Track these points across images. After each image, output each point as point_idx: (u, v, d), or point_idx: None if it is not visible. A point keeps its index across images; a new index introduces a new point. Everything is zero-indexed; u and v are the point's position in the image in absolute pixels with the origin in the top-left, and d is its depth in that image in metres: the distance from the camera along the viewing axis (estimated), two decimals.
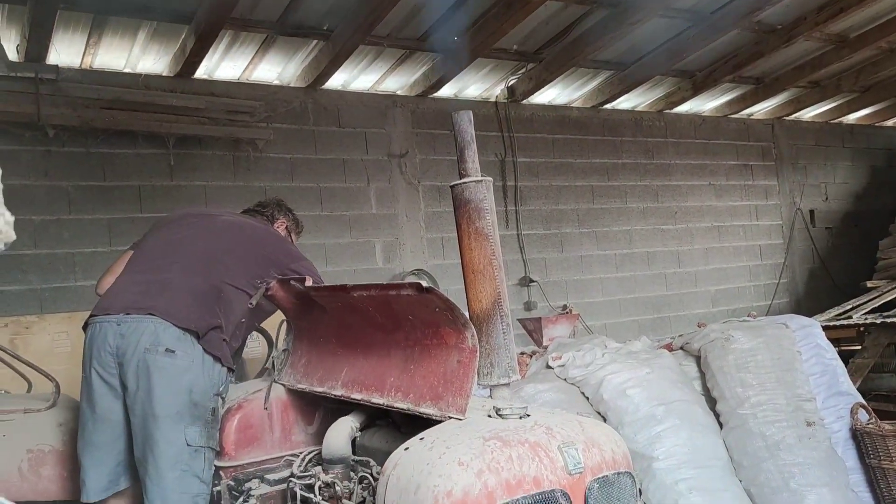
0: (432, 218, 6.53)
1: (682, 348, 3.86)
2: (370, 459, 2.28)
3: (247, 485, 2.35)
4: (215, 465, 2.56)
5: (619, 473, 1.85)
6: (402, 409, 2.10)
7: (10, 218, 0.63)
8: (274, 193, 5.49)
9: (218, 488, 2.50)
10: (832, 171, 9.84)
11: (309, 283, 2.48)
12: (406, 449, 1.79)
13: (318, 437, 2.72)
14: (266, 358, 3.35)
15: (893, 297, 7.05)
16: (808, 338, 3.78)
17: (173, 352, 2.34)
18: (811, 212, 9.59)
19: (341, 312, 2.44)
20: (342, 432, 2.31)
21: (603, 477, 1.79)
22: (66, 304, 4.78)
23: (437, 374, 2.04)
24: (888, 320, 5.97)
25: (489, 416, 1.90)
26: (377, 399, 2.22)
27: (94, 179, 5.04)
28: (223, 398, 2.52)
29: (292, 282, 2.56)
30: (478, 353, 1.93)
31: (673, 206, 8.33)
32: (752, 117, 9.01)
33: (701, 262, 8.60)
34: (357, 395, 2.31)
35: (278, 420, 2.68)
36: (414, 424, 2.03)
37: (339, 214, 6.06)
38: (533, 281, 7.00)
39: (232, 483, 2.45)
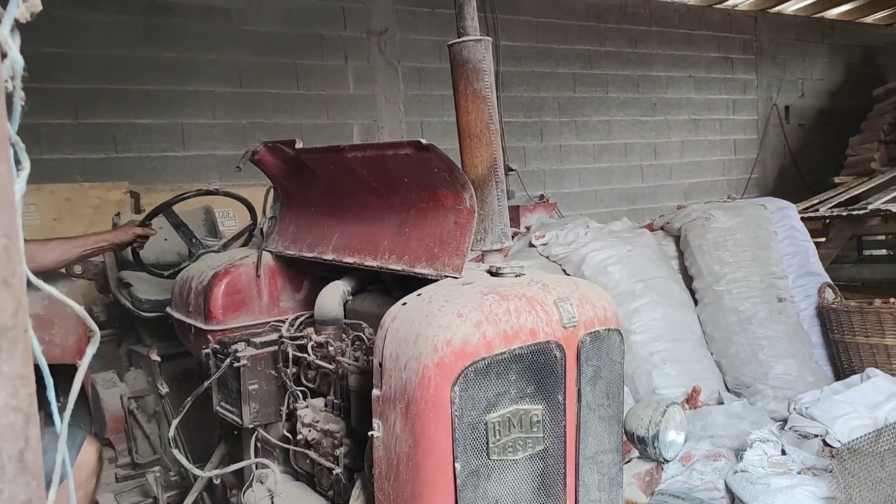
0: (412, 101, 6.40)
1: (662, 228, 3.92)
2: (362, 322, 2.32)
3: (233, 347, 2.36)
4: (202, 329, 2.58)
5: (609, 330, 1.90)
6: (396, 270, 2.10)
7: None
8: (249, 68, 5.30)
9: (206, 350, 2.53)
10: (810, 68, 9.80)
11: (299, 145, 2.43)
12: (404, 304, 1.81)
13: (307, 304, 2.74)
14: (247, 227, 3.33)
15: (859, 191, 7.21)
16: (784, 219, 3.87)
17: None
18: (786, 108, 9.61)
19: (333, 176, 2.40)
20: (334, 294, 2.32)
21: (595, 332, 1.84)
22: (31, 177, 4.65)
23: (432, 236, 2.04)
24: (853, 213, 6.13)
25: (485, 274, 1.93)
26: (370, 262, 2.22)
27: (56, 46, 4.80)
28: None
29: (280, 145, 2.50)
30: (476, 214, 1.93)
31: (653, 98, 8.27)
32: (736, 8, 8.84)
33: (676, 155, 8.64)
34: (349, 259, 2.31)
35: (266, 286, 2.69)
36: (407, 289, 2.03)
37: (316, 94, 5.90)
38: (512, 170, 6.97)
39: (217, 346, 2.47)
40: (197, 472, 2.26)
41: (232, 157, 5.18)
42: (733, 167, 9.21)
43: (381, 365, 1.75)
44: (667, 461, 2.33)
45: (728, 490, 2.54)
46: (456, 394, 1.62)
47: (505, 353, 1.66)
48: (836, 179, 8.03)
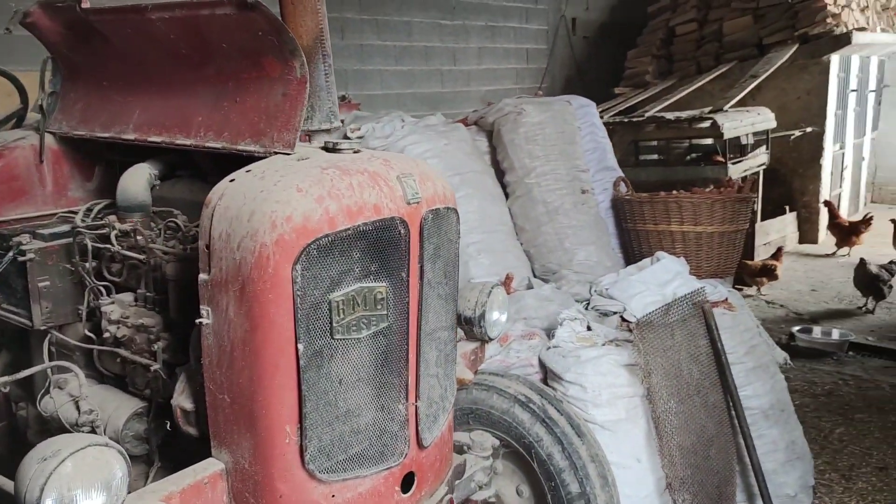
0: None
1: (476, 123, 3.98)
2: (173, 209, 2.09)
3: (15, 240, 2.03)
4: None
5: (448, 208, 1.88)
6: (216, 148, 1.90)
7: None
8: None
9: None
10: None
11: (86, 4, 2.06)
12: (232, 180, 1.64)
13: (100, 193, 2.43)
14: (16, 112, 2.84)
15: (635, 101, 7.84)
16: (586, 116, 4.09)
17: None
18: (573, 20, 10.05)
19: (131, 43, 2.08)
20: (140, 177, 2.06)
21: (436, 209, 1.80)
22: None
23: (257, 110, 1.86)
24: (633, 119, 6.67)
25: (320, 150, 1.80)
26: (182, 140, 1.98)
27: None
28: None
29: (63, 4, 2.12)
30: (308, 84, 1.78)
31: (451, 0, 8.23)
32: None
33: (475, 62, 8.75)
34: (156, 138, 2.05)
35: (50, 173, 2.34)
36: (225, 172, 1.84)
37: None
38: None
39: None
40: None
41: None
42: (526, 76, 9.53)
43: (208, 247, 1.58)
44: (491, 339, 2.41)
45: (542, 365, 2.71)
46: (297, 272, 1.51)
47: (349, 229, 1.58)
48: (616, 90, 8.65)
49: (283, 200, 1.53)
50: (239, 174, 1.66)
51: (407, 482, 1.79)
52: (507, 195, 3.78)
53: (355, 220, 1.59)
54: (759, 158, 6.76)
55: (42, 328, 2.03)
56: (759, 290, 5.87)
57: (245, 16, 1.74)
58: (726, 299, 2.97)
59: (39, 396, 1.95)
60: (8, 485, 1.56)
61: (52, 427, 1.92)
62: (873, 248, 6.98)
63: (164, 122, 2.06)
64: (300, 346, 1.53)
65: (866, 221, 7.08)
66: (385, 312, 1.67)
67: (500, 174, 3.83)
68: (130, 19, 2.00)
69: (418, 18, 7.89)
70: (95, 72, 2.27)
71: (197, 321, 1.60)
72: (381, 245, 1.64)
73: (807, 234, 8.10)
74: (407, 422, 1.76)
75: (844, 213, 8.53)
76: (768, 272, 5.58)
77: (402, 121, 3.67)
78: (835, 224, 7.22)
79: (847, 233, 7.11)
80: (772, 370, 2.97)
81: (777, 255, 5.86)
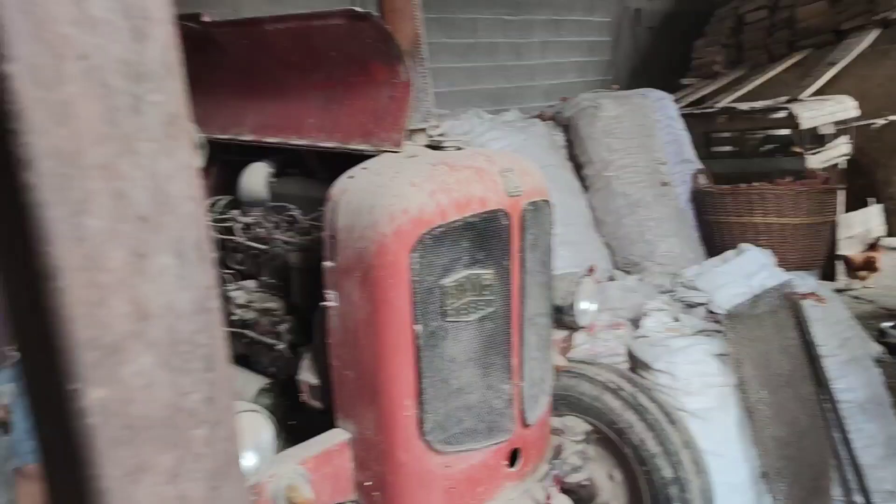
0: None
1: (552, 118, 4.07)
2: (287, 204, 2.26)
3: None
4: None
5: (545, 201, 2.00)
6: (329, 147, 2.05)
7: None
8: None
9: None
10: None
11: (207, 18, 2.25)
12: (351, 177, 1.79)
13: (215, 191, 2.62)
14: None
15: (704, 93, 7.76)
16: (663, 109, 4.13)
17: None
18: (637, 10, 9.97)
19: (246, 53, 2.26)
20: (260, 175, 2.24)
21: (534, 202, 1.92)
22: None
23: (365, 112, 2.00)
24: (705, 111, 6.61)
25: (425, 148, 1.94)
26: (296, 140, 2.15)
27: None
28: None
29: (183, 20, 2.31)
30: (412, 87, 1.91)
31: None
32: None
33: (538, 56, 8.79)
34: (271, 139, 2.22)
35: None
36: (331, 170, 1.99)
37: None
38: None
39: None
40: None
41: None
42: (589, 69, 9.51)
43: (333, 237, 1.74)
44: (581, 328, 2.51)
45: (629, 354, 2.79)
46: (415, 260, 1.65)
47: (458, 220, 1.71)
48: (685, 81, 8.56)
49: (399, 195, 1.67)
50: (356, 171, 1.80)
51: (513, 458, 1.91)
52: (585, 188, 3.86)
53: (464, 212, 1.72)
54: (839, 149, 6.59)
55: None
56: (849, 282, 5.70)
57: (355, 26, 1.88)
58: (814, 292, 2.98)
59: None
60: None
61: None
62: None
63: (278, 124, 2.23)
64: (417, 327, 1.67)
65: None
66: (491, 297, 1.79)
67: (576, 168, 3.92)
68: (247, 31, 2.19)
69: (484, 15, 7.98)
70: (211, 79, 2.46)
71: (322, 304, 1.76)
72: (486, 235, 1.77)
73: (894, 227, 7.83)
74: (512, 401, 1.88)
75: None
76: (870, 265, 5.46)
77: (479, 117, 3.79)
78: None
79: None
80: (867, 364, 2.95)
81: (874, 247, 5.71)
